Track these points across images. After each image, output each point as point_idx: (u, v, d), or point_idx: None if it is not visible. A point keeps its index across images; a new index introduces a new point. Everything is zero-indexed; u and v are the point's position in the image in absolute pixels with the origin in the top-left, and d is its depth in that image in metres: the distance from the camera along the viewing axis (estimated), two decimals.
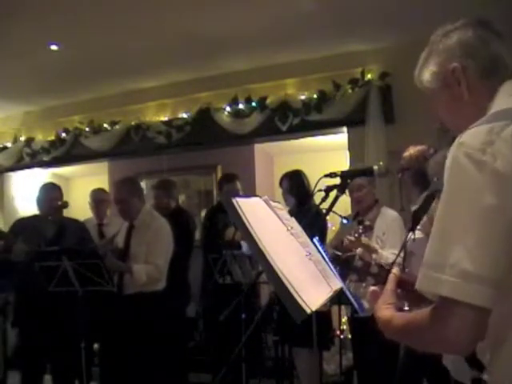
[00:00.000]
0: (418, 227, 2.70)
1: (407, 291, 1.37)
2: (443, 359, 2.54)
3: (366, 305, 3.25)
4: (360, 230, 3.02)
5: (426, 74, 1.30)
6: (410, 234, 2.57)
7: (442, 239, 0.99)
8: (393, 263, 1.42)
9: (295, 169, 4.31)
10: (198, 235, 5.23)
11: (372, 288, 1.37)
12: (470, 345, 1.00)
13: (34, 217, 4.06)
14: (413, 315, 1.10)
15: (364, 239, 3.04)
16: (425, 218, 2.71)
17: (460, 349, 1.01)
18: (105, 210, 5.07)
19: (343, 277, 1.47)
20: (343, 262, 1.45)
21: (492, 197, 0.95)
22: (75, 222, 4.23)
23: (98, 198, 5.03)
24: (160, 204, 4.59)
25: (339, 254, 1.48)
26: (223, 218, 4.30)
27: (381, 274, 1.38)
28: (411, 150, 3.08)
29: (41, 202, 3.99)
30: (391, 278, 1.33)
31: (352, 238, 3.06)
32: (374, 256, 3.09)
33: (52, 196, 3.98)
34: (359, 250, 1.43)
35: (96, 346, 4.81)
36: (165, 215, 4.16)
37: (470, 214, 0.96)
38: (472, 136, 1.01)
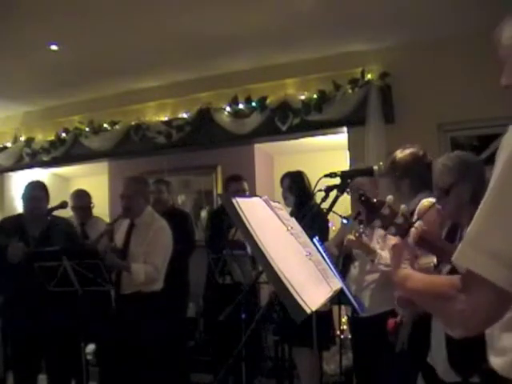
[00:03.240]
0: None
1: (426, 247, 1.39)
2: (428, 357, 2.54)
3: (366, 304, 3.26)
4: (361, 230, 3.02)
5: (508, 31, 1.18)
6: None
7: (489, 219, 1.01)
8: (414, 222, 1.41)
9: (297, 169, 4.33)
10: (197, 235, 5.23)
11: (393, 240, 1.38)
12: (482, 325, 1.05)
13: (19, 216, 4.01)
14: (435, 280, 1.13)
15: (364, 239, 3.04)
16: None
17: (472, 325, 1.05)
18: (89, 214, 5.00)
19: (369, 221, 1.47)
20: (372, 207, 1.44)
21: None
22: (62, 219, 4.16)
23: (78, 206, 4.91)
24: (160, 198, 4.58)
25: (370, 198, 1.47)
26: (228, 218, 4.31)
27: (403, 226, 1.40)
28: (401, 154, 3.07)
29: (25, 200, 3.93)
30: (414, 233, 1.36)
31: (353, 238, 3.06)
32: (372, 257, 3.09)
33: (36, 195, 3.92)
34: (389, 198, 1.40)
35: (92, 346, 4.82)
36: (162, 212, 4.17)
37: None
38: None
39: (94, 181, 6.69)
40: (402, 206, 1.43)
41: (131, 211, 3.86)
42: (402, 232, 1.39)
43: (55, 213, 4.09)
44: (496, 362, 1.13)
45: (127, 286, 3.71)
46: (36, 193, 3.95)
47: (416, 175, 2.94)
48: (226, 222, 4.35)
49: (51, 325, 3.70)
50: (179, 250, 4.06)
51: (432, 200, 2.69)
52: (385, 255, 3.01)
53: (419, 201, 2.77)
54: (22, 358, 3.79)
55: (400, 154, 3.05)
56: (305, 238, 1.57)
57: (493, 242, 0.98)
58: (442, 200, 2.44)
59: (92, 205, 5.01)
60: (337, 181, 1.92)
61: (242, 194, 4.37)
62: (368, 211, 1.48)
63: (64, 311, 3.66)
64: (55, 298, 3.58)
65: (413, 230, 1.38)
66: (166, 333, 3.90)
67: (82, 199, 4.95)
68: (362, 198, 1.48)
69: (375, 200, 1.45)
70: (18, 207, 6.67)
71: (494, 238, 0.98)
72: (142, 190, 3.90)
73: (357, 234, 3.03)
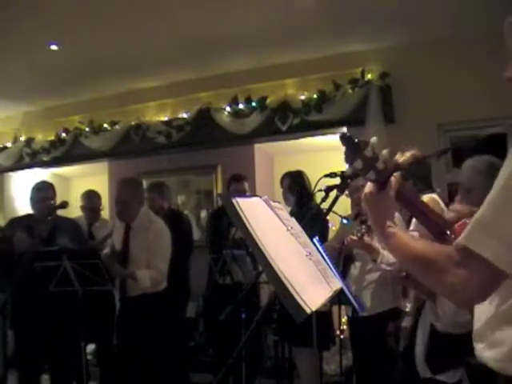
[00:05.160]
0: (412, 227, 2.71)
1: (402, 202, 1.36)
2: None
3: (366, 304, 3.26)
4: (363, 230, 3.03)
5: None
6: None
7: (505, 205, 1.01)
8: (394, 171, 1.35)
9: (297, 169, 4.33)
10: (195, 235, 5.23)
11: (369, 184, 1.35)
12: (469, 301, 1.10)
13: (28, 216, 4.04)
14: (428, 248, 1.13)
15: (366, 239, 3.05)
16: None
17: (460, 300, 1.09)
18: (98, 215, 5.03)
19: (350, 161, 1.41)
20: (355, 146, 1.39)
21: None
22: (69, 220, 4.19)
23: (88, 207, 4.95)
24: (154, 206, 4.59)
25: (354, 139, 1.41)
26: (228, 218, 4.29)
27: (384, 173, 1.34)
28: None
29: (34, 201, 3.97)
30: (394, 183, 1.34)
31: (355, 238, 3.07)
32: (374, 257, 3.10)
33: (45, 195, 3.95)
34: (373, 139, 1.34)
35: (92, 346, 4.82)
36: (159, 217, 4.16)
37: None
38: None
39: (94, 181, 6.68)
40: (384, 152, 1.38)
41: (126, 215, 3.83)
42: (381, 179, 1.33)
43: (64, 213, 4.12)
44: (488, 354, 1.14)
45: (133, 289, 3.70)
46: (46, 193, 3.99)
47: (418, 176, 2.96)
48: (225, 221, 4.36)
49: (54, 325, 3.70)
50: (178, 252, 4.05)
51: (432, 196, 2.74)
52: (387, 254, 3.02)
53: None
54: (27, 357, 3.80)
55: (401, 157, 3.07)
56: (305, 238, 1.57)
57: (508, 229, 0.99)
58: (466, 199, 2.46)
59: (101, 206, 5.04)
60: (337, 181, 1.91)
61: (241, 194, 4.37)
62: (350, 150, 1.42)
63: (66, 311, 3.66)
64: (57, 297, 3.58)
65: (393, 179, 1.33)
66: (167, 333, 3.90)
67: (92, 200, 4.99)
68: (346, 136, 1.43)
69: (359, 139, 1.40)
70: (18, 207, 6.71)
71: (509, 226, 0.99)
72: (136, 194, 3.86)
73: (359, 234, 3.04)
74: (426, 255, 1.11)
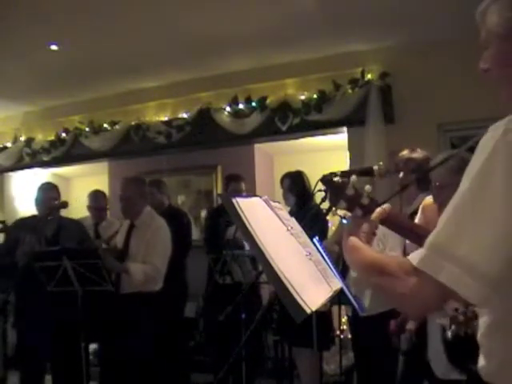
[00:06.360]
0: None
1: (392, 227, 1.37)
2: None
3: (366, 304, 3.26)
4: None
5: (495, 15, 1.11)
6: None
7: (460, 224, 0.96)
8: (384, 202, 1.37)
9: (297, 169, 4.34)
10: (195, 235, 5.22)
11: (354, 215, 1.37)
12: (418, 312, 1.13)
13: (33, 217, 4.07)
14: (383, 258, 1.13)
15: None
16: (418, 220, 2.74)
17: (409, 310, 1.10)
18: (104, 215, 5.07)
19: (333, 203, 1.42)
20: (335, 187, 1.40)
21: None
22: (74, 221, 4.25)
23: (94, 206, 5.00)
24: (154, 201, 4.60)
25: (335, 178, 1.42)
26: (226, 217, 4.31)
27: (370, 208, 1.35)
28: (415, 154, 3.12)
29: (39, 202, 4.01)
30: (379, 211, 1.33)
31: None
32: None
33: (49, 196, 4.00)
34: (353, 178, 1.35)
35: (94, 346, 4.81)
36: (159, 213, 4.17)
37: (498, 208, 0.91)
38: None
39: (94, 181, 6.68)
40: (367, 187, 1.38)
41: (129, 212, 3.87)
42: (369, 213, 1.35)
43: (64, 213, 4.14)
44: (482, 365, 1.10)
45: (127, 286, 3.71)
46: (50, 194, 4.02)
47: (420, 177, 2.97)
48: (223, 221, 4.36)
49: (57, 325, 3.71)
50: (175, 248, 4.06)
51: None
52: (386, 253, 3.02)
53: (422, 199, 2.83)
54: (29, 357, 3.80)
55: (414, 154, 3.08)
56: (305, 237, 1.58)
57: (463, 252, 0.93)
58: (439, 197, 2.46)
59: (108, 206, 5.07)
60: None
61: (240, 194, 4.37)
62: (331, 192, 1.43)
63: (69, 311, 3.67)
64: (60, 297, 3.58)
65: (379, 209, 1.34)
66: (165, 333, 3.90)
67: (98, 200, 5.05)
68: (324, 179, 1.44)
69: (339, 180, 1.41)
70: (18, 207, 6.71)
71: (465, 247, 0.94)
72: (140, 191, 3.92)
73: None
74: (380, 264, 1.09)
